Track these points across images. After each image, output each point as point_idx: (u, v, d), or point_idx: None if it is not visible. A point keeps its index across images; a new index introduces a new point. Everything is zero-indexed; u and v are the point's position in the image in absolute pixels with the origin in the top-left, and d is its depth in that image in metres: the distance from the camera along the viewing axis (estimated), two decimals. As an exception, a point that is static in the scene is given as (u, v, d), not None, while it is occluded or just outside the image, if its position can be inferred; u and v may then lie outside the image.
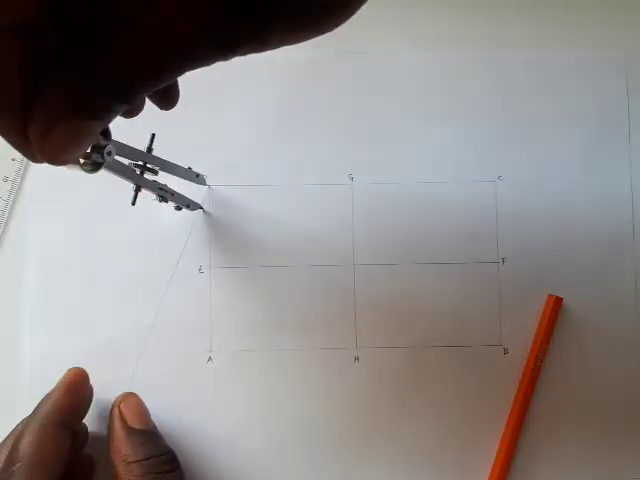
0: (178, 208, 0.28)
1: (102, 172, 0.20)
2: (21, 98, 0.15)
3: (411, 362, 0.30)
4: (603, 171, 0.32)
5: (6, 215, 0.31)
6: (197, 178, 0.29)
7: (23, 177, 0.31)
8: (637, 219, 0.31)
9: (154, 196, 0.26)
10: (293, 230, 0.31)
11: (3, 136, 0.16)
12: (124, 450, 0.26)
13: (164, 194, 0.26)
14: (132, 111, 0.20)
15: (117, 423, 0.27)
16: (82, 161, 0.19)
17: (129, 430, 0.26)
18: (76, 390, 0.27)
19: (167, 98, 0.21)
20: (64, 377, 0.27)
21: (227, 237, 0.31)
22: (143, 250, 0.30)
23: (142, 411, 0.28)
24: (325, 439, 0.30)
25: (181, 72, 0.15)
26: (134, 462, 0.25)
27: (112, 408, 0.27)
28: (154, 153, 0.25)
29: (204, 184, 0.30)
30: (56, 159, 0.15)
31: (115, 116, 0.16)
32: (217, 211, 0.31)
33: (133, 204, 0.24)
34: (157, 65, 0.15)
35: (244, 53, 0.15)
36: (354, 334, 0.30)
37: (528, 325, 0.31)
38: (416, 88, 0.32)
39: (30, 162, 0.31)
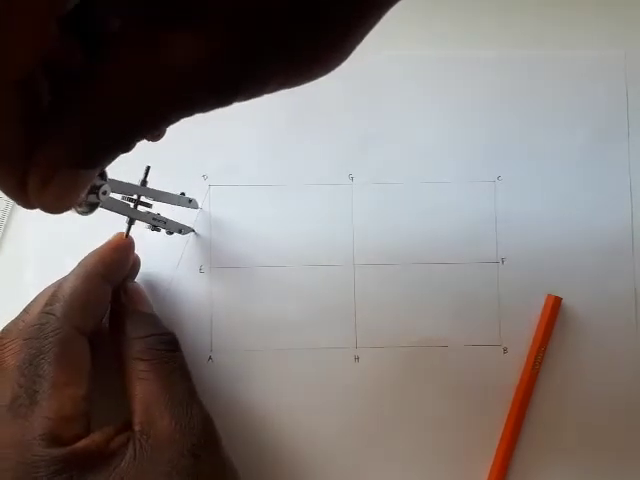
0: (170, 233, 0.29)
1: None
2: (20, 149, 0.15)
3: (411, 362, 0.30)
4: (603, 171, 0.32)
5: (6, 216, 0.31)
6: (190, 203, 0.29)
7: (23, 177, 0.31)
8: (637, 219, 0.31)
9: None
10: (293, 230, 0.31)
11: (1, 187, 0.16)
12: (126, 327, 0.26)
13: (157, 223, 0.27)
14: (156, 137, 0.20)
15: (122, 304, 0.27)
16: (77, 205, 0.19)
17: (132, 310, 0.27)
18: (122, 250, 0.27)
19: (157, 135, 0.21)
20: (111, 238, 0.27)
21: (227, 237, 0.31)
22: (143, 250, 0.30)
23: (144, 296, 0.28)
24: (324, 439, 0.30)
25: (179, 119, 0.16)
26: (135, 338, 0.26)
27: (115, 293, 0.27)
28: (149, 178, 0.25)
29: (196, 208, 0.30)
30: (55, 209, 0.16)
31: (113, 161, 0.16)
32: (217, 211, 0.31)
33: (126, 237, 0.25)
34: (156, 115, 0.15)
35: (242, 100, 0.16)
36: (354, 334, 0.30)
37: (528, 325, 0.31)
38: (416, 88, 0.32)
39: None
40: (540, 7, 0.32)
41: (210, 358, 0.30)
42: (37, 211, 0.30)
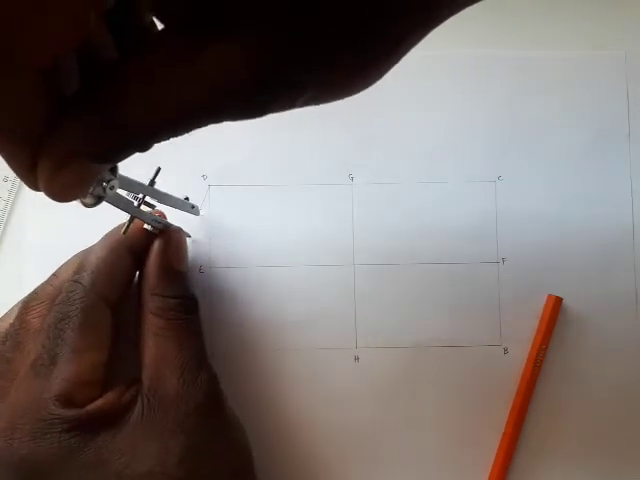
0: None
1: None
2: (38, 132, 0.15)
3: (411, 362, 0.30)
4: (603, 171, 0.31)
5: (6, 215, 0.31)
6: (192, 209, 0.29)
7: (23, 177, 0.31)
8: (637, 219, 0.31)
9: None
10: (293, 230, 0.31)
11: (10, 164, 0.15)
12: (155, 282, 0.26)
13: (157, 225, 0.26)
14: None
15: (156, 256, 0.26)
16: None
17: (166, 266, 0.26)
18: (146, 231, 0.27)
19: None
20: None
21: (227, 237, 0.31)
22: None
23: (183, 253, 0.27)
24: (324, 439, 0.30)
25: (205, 126, 0.16)
26: (161, 296, 0.26)
27: (156, 236, 0.27)
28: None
29: (198, 214, 0.30)
30: (61, 197, 0.16)
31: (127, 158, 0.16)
32: (217, 211, 0.31)
33: (124, 233, 0.25)
34: (184, 121, 0.15)
35: (273, 112, 0.16)
36: (354, 334, 0.30)
37: (528, 325, 0.31)
38: (415, 88, 0.32)
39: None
40: (540, 7, 0.32)
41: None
42: (37, 210, 0.30)
